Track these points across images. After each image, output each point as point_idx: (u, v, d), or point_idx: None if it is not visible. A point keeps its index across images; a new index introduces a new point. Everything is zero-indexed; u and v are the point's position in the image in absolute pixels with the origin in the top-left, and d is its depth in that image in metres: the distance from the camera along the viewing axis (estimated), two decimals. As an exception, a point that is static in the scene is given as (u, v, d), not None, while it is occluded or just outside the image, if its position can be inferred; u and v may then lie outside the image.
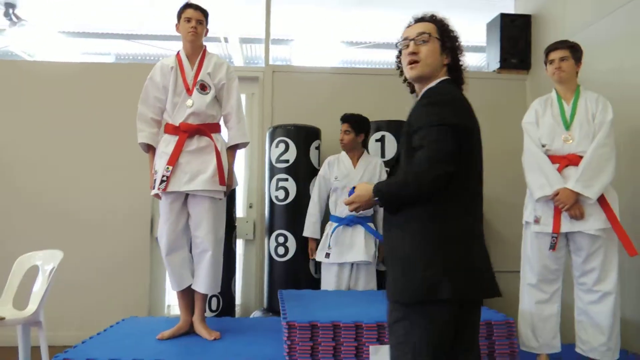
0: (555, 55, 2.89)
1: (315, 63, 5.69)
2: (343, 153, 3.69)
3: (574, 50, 2.88)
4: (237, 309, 4.16)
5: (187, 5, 2.83)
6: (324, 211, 3.74)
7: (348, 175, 3.58)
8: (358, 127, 3.65)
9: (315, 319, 2.39)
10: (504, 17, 4.53)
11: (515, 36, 4.53)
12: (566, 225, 2.77)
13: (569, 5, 4.01)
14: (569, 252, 2.86)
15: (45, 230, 4.11)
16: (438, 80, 1.70)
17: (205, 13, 2.86)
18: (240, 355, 2.43)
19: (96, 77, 4.42)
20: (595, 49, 3.45)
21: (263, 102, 4.47)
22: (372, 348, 2.36)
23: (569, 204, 2.71)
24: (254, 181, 4.47)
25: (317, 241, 3.67)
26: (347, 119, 3.65)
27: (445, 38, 1.71)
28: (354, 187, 1.76)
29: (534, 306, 2.83)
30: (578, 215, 2.72)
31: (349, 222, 3.54)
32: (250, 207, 4.43)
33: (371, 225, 3.60)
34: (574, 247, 2.81)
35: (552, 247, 2.78)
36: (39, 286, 3.20)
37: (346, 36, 5.58)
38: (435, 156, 1.53)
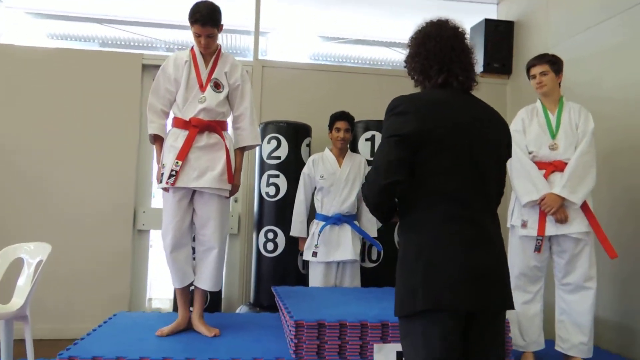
0: (535, 70, 3.03)
1: (292, 57, 5.68)
2: (327, 151, 3.73)
3: (553, 64, 3.02)
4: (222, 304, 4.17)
5: (195, 20, 2.70)
6: (309, 209, 3.78)
7: (334, 174, 3.63)
8: (353, 125, 3.72)
9: (322, 317, 2.45)
10: (488, 22, 4.67)
11: (498, 41, 4.68)
12: (551, 229, 2.91)
13: (552, 15, 4.17)
14: (552, 254, 3.01)
15: (26, 223, 4.02)
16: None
17: (214, 24, 2.73)
18: (246, 352, 2.45)
19: (79, 64, 4.30)
20: (576, 60, 3.62)
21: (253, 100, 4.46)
22: (376, 346, 2.45)
23: (554, 208, 2.85)
24: (242, 176, 4.45)
25: (306, 239, 3.71)
26: (347, 117, 3.69)
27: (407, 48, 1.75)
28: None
29: (520, 306, 2.97)
30: (563, 219, 2.87)
31: (335, 220, 3.61)
32: (236, 201, 4.43)
33: (356, 223, 3.68)
34: (557, 249, 2.97)
35: (538, 249, 2.93)
36: (24, 279, 3.12)
37: (323, 31, 5.60)
38: (378, 168, 1.56)
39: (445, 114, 1.58)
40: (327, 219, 3.61)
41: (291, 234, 3.75)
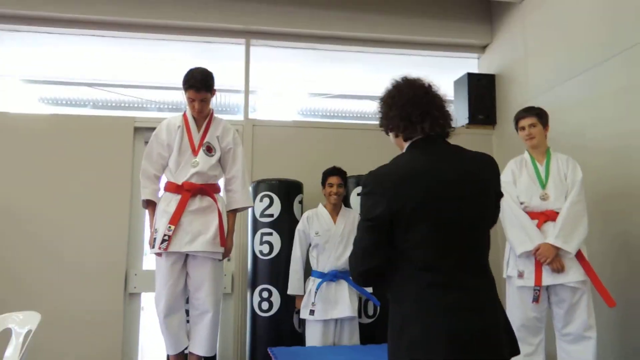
0: (524, 122, 3.12)
1: (281, 113, 5.79)
2: (321, 207, 3.72)
3: (541, 117, 3.12)
4: (216, 366, 4.06)
5: (189, 86, 2.80)
6: (304, 266, 3.74)
7: (329, 231, 3.61)
8: (346, 180, 3.75)
9: (321, 381, 2.39)
10: (470, 75, 4.82)
11: (481, 94, 4.82)
12: (548, 279, 2.91)
13: (530, 67, 4.32)
14: (550, 305, 3.00)
15: (17, 287, 3.93)
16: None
17: (208, 89, 2.83)
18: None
19: (72, 128, 4.34)
20: (557, 111, 3.71)
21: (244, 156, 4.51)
22: (377, 409, 2.38)
23: (550, 258, 2.86)
24: (235, 235, 4.43)
25: (303, 297, 3.65)
26: (339, 172, 3.71)
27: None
28: None
29: (522, 359, 2.93)
30: (560, 268, 2.87)
31: (332, 277, 3.56)
32: (229, 260, 4.38)
33: None
34: (555, 299, 2.96)
35: (536, 299, 2.92)
36: (12, 350, 3.03)
37: (311, 87, 5.74)
38: (356, 253, 1.61)
39: (417, 184, 1.55)
40: (323, 276, 3.57)
41: (289, 292, 3.68)
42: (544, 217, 2.99)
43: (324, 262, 3.59)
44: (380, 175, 1.60)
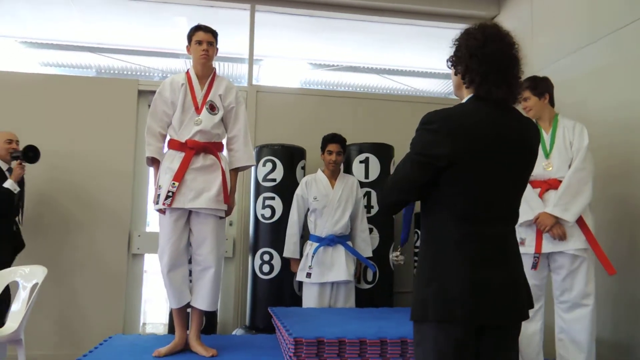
0: (520, 97, 3.11)
1: (284, 83, 5.78)
2: (320, 173, 3.76)
3: (533, 88, 3.09)
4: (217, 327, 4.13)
5: (198, 28, 2.88)
6: (302, 230, 3.79)
7: (327, 196, 3.65)
8: (345, 147, 3.76)
9: (321, 335, 2.44)
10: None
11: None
12: (548, 246, 2.94)
13: (537, 39, 4.29)
14: (550, 273, 3.03)
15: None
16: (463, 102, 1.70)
17: (215, 34, 2.92)
18: (245, 372, 2.43)
19: (75, 90, 4.34)
20: (562, 82, 3.70)
21: (248, 122, 4.51)
22: (375, 363, 2.44)
23: (548, 227, 2.89)
24: (236, 199, 4.47)
25: (299, 260, 3.71)
26: (339, 139, 3.72)
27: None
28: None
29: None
30: (560, 235, 2.89)
31: (329, 242, 3.61)
32: (231, 224, 4.43)
33: (350, 244, 3.69)
34: (554, 265, 2.98)
35: (534, 266, 2.94)
36: (19, 303, 3.10)
37: (314, 57, 5.72)
38: (396, 182, 1.60)
39: (481, 134, 1.56)
40: (320, 240, 3.62)
41: (284, 254, 3.75)
42: (547, 185, 3.00)
43: (321, 227, 3.64)
44: (450, 116, 1.58)
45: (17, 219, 3.64)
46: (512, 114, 1.68)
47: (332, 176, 3.74)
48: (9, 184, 3.48)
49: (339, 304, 3.65)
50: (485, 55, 1.58)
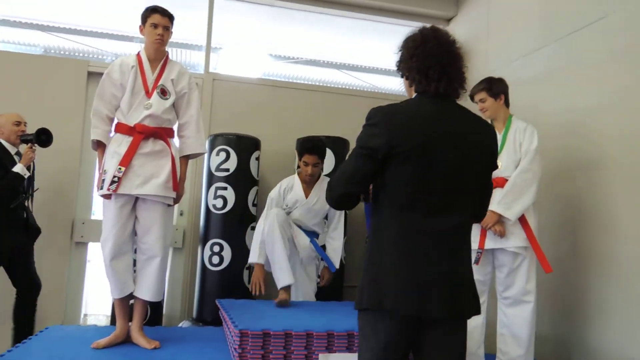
0: (476, 98, 3.19)
1: (241, 73, 5.70)
2: (296, 178, 3.47)
3: (489, 89, 3.16)
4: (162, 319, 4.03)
5: (154, 10, 2.76)
6: None
7: (298, 202, 3.43)
8: (324, 157, 3.42)
9: (267, 327, 2.41)
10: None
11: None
12: (490, 242, 3.01)
13: (492, 41, 4.38)
14: (494, 269, 3.10)
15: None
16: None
17: (172, 18, 2.81)
18: (188, 364, 2.37)
19: (22, 68, 4.16)
20: (515, 84, 3.78)
21: (202, 109, 4.41)
22: (321, 356, 2.42)
23: (491, 224, 2.96)
24: (187, 188, 4.37)
25: (263, 266, 3.38)
26: (318, 151, 3.34)
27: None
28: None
29: (462, 319, 3.02)
30: (501, 232, 2.97)
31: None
32: (181, 214, 4.33)
33: (317, 241, 3.52)
34: (497, 263, 3.06)
35: (476, 261, 3.01)
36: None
37: (274, 49, 5.66)
38: (343, 174, 1.65)
39: (420, 127, 1.60)
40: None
41: (251, 260, 3.39)
42: (494, 184, 3.06)
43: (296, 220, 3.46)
44: (389, 111, 1.65)
45: (27, 204, 3.45)
46: (458, 111, 1.71)
47: (308, 184, 3.44)
48: (18, 168, 3.30)
49: (298, 299, 3.45)
50: (425, 53, 1.66)
